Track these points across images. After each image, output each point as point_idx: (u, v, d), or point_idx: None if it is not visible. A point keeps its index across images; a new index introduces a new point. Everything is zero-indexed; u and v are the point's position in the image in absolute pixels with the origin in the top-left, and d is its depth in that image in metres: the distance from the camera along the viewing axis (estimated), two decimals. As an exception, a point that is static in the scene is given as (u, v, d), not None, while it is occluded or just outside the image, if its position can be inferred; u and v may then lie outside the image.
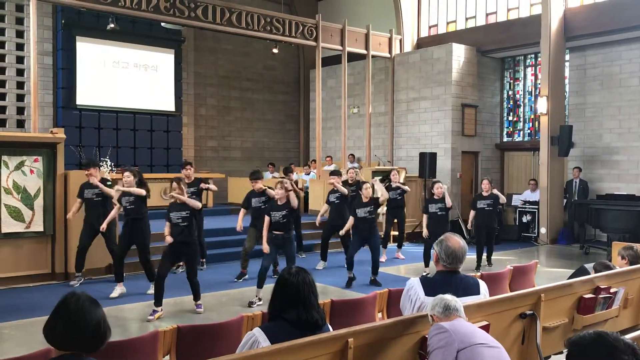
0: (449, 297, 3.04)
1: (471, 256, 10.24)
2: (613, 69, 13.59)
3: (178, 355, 3.65)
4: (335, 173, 10.59)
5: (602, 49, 13.72)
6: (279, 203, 7.73)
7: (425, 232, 9.55)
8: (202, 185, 9.45)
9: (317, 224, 10.82)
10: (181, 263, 9.08)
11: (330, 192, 10.33)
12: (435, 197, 9.56)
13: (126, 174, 8.02)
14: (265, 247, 7.68)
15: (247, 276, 8.88)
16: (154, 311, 6.82)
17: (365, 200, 8.80)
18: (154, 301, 6.89)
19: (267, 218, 7.74)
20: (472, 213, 10.31)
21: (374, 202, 8.88)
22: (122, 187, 7.93)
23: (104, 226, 8.27)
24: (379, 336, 3.00)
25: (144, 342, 3.55)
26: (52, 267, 8.78)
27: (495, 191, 10.22)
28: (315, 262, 10.25)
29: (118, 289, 7.88)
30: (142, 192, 7.86)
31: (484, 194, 10.23)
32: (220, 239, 10.89)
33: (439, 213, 9.46)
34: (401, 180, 11.91)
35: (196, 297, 7.16)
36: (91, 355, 2.32)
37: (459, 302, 3.04)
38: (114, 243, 8.55)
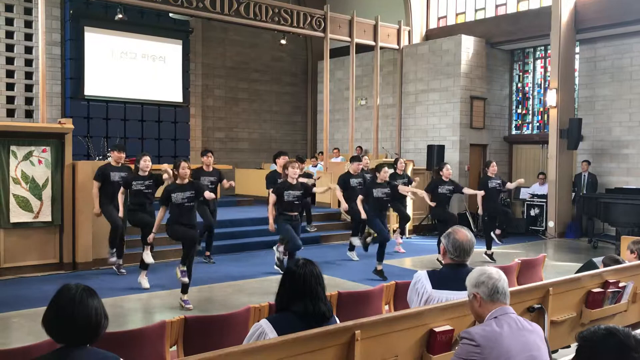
0: (496, 275, 2.82)
1: (480, 249, 10.28)
2: (624, 62, 13.47)
3: (185, 345, 3.65)
4: (355, 159, 10.42)
5: (612, 41, 13.59)
6: (292, 183, 7.85)
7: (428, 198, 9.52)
8: (225, 182, 9.30)
9: (344, 211, 10.78)
10: (208, 253, 9.27)
11: (350, 177, 10.10)
12: (444, 178, 9.56)
13: (146, 158, 8.12)
14: (272, 226, 7.80)
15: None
16: (186, 301, 6.91)
17: (380, 181, 8.83)
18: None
19: (274, 198, 7.83)
20: (480, 194, 9.99)
21: (391, 185, 8.96)
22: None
23: (96, 210, 8.33)
24: (385, 328, 2.98)
25: (151, 332, 3.55)
26: (60, 257, 8.82)
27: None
28: (328, 255, 10.22)
29: (144, 279, 7.85)
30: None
31: (492, 174, 10.25)
32: (227, 231, 10.89)
33: (447, 194, 9.52)
34: (408, 173, 11.87)
35: (184, 290, 6.97)
36: (94, 345, 2.33)
37: (507, 285, 2.85)
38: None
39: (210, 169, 9.45)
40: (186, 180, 7.04)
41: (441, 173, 9.65)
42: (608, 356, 1.99)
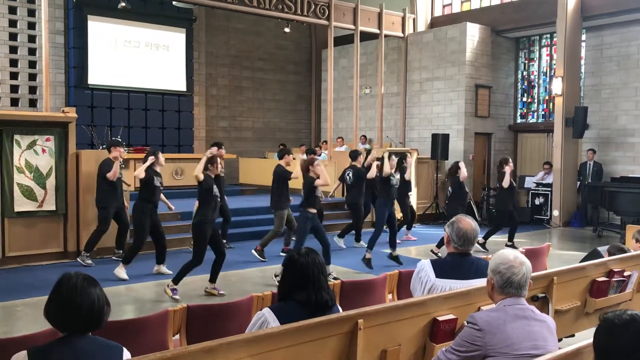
0: (515, 269, 2.76)
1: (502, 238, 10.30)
2: (630, 49, 13.36)
3: (188, 334, 3.66)
4: (356, 153, 10.38)
5: (619, 28, 13.48)
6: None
7: None
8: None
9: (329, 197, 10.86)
10: (224, 241, 9.12)
11: (346, 170, 10.21)
12: (460, 179, 9.64)
13: (161, 154, 8.10)
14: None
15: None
16: (217, 290, 6.96)
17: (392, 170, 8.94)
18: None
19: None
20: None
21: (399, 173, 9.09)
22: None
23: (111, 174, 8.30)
24: (389, 317, 2.97)
25: (154, 321, 3.56)
26: (64, 246, 8.84)
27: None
28: (331, 244, 10.23)
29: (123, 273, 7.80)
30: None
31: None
32: (232, 220, 10.88)
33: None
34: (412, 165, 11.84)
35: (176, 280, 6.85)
36: (98, 333, 2.33)
37: (525, 278, 2.78)
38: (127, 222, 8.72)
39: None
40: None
41: (458, 175, 9.71)
42: (626, 341, 2.01)
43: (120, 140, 9.88)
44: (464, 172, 9.71)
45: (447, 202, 9.79)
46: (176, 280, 6.76)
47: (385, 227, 8.95)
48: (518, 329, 2.66)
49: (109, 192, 8.40)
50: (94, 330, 2.36)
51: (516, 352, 2.59)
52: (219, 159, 7.05)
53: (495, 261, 2.84)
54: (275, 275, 7.61)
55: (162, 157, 8.00)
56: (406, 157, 10.85)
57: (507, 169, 10.07)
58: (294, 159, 9.36)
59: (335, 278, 7.20)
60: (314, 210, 7.52)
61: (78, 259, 8.55)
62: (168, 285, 6.81)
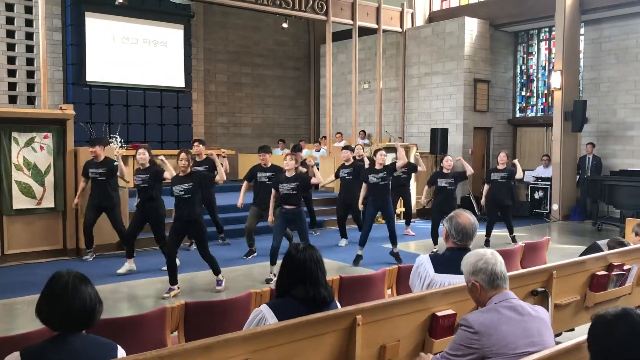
0: (492, 260, 2.74)
1: (481, 232, 10.21)
2: (629, 43, 13.32)
3: (186, 331, 3.65)
4: (348, 148, 10.43)
5: (618, 22, 13.44)
6: (287, 175, 7.55)
7: (423, 199, 9.83)
8: (222, 152, 9.18)
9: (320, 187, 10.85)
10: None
11: (341, 167, 10.24)
12: (444, 170, 9.47)
13: (140, 150, 7.94)
14: (271, 218, 7.62)
15: (255, 253, 8.87)
16: (170, 289, 6.77)
17: (378, 167, 8.64)
18: (169, 280, 6.83)
19: (274, 191, 7.65)
20: (485, 187, 10.21)
21: (387, 169, 8.69)
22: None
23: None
24: (387, 313, 2.96)
25: (152, 318, 3.55)
26: (63, 243, 8.84)
27: (515, 162, 10.17)
28: (329, 239, 10.24)
29: (127, 265, 7.87)
30: (173, 172, 7.52)
31: (499, 166, 10.12)
32: (231, 215, 10.87)
33: (448, 188, 9.38)
34: (412, 159, 11.80)
35: (215, 272, 7.02)
36: (93, 331, 2.32)
37: (504, 267, 2.77)
38: (120, 223, 8.55)
39: (203, 156, 9.38)
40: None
41: (442, 165, 9.61)
42: (623, 338, 1.98)
43: (103, 137, 9.88)
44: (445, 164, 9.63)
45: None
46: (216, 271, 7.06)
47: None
48: (513, 327, 2.61)
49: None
50: (85, 328, 2.35)
51: (514, 351, 2.55)
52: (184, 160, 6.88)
53: (469, 263, 2.80)
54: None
55: (139, 155, 7.93)
56: (395, 150, 10.73)
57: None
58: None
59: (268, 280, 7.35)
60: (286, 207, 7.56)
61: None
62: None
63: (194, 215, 6.85)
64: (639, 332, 1.95)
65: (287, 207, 7.50)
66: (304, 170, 8.84)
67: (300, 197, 7.64)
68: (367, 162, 9.46)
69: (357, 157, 10.36)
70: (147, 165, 7.88)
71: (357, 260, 8.55)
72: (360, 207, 9.02)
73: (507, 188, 10.11)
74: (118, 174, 8.39)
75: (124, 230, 8.30)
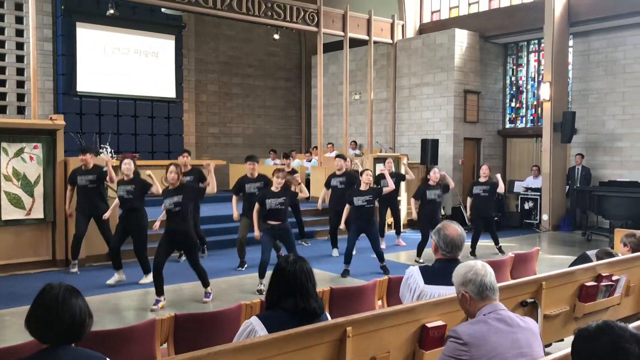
0: (482, 271, 2.74)
1: (467, 243, 10.21)
2: (617, 55, 13.47)
3: (175, 343, 3.63)
4: (341, 157, 10.41)
5: (606, 34, 13.59)
6: (274, 190, 7.55)
7: (414, 215, 9.65)
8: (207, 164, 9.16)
9: (319, 208, 10.78)
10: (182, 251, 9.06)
11: (332, 176, 10.24)
12: (430, 183, 9.50)
13: (126, 161, 7.89)
14: (257, 233, 7.57)
15: (247, 265, 8.84)
16: (157, 301, 6.72)
17: (363, 188, 8.56)
18: (155, 291, 6.78)
19: (257, 205, 7.62)
20: (469, 200, 10.28)
21: (373, 191, 8.65)
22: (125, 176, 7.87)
23: (107, 215, 8.22)
24: (377, 325, 2.97)
25: (141, 330, 3.53)
26: (52, 254, 8.78)
27: (497, 176, 10.20)
28: (319, 250, 10.23)
29: (116, 276, 7.83)
30: (159, 189, 7.51)
31: (481, 179, 10.21)
32: (221, 226, 10.86)
33: (437, 200, 9.42)
34: (402, 170, 11.87)
35: (204, 284, 6.99)
36: (82, 343, 2.31)
37: (494, 278, 2.77)
38: (109, 230, 8.49)
39: (189, 167, 9.35)
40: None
41: (428, 177, 9.66)
42: (604, 350, 1.97)
43: (91, 147, 9.91)
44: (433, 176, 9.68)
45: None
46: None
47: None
48: (502, 339, 2.61)
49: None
50: (75, 341, 2.33)
51: None
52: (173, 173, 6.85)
53: (459, 274, 2.81)
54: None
55: (124, 166, 7.87)
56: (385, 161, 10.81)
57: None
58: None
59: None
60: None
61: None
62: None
63: (185, 227, 6.80)
64: (621, 345, 1.95)
65: (273, 222, 7.48)
66: (295, 176, 8.85)
67: (287, 212, 7.67)
68: (360, 168, 9.49)
69: (347, 169, 10.38)
70: (132, 176, 7.85)
71: (345, 273, 8.49)
72: (342, 226, 8.97)
73: (491, 201, 10.22)
74: (107, 179, 8.32)
75: (112, 243, 8.21)
